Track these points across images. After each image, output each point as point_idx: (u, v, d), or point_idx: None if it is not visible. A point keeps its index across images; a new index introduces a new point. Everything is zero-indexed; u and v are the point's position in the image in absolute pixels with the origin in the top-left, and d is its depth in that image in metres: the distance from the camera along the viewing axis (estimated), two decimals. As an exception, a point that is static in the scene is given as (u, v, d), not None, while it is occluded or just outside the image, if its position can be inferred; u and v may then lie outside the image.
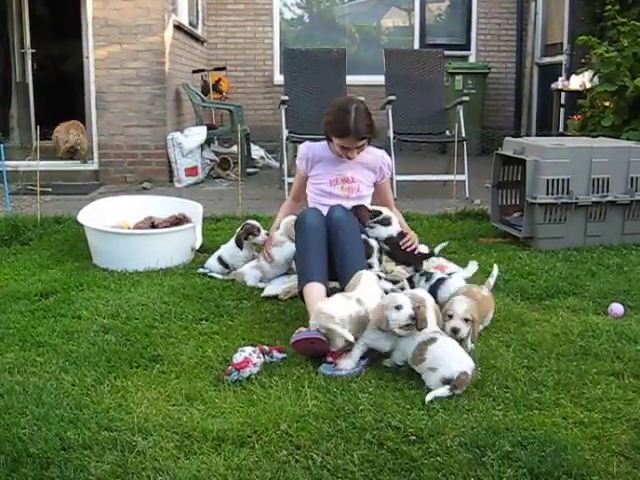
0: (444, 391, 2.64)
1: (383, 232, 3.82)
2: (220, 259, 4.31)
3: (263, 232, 4.23)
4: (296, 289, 3.58)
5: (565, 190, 4.79)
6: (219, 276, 4.22)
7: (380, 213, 3.82)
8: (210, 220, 5.54)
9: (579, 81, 7.81)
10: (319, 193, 4.00)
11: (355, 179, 3.97)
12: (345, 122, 3.72)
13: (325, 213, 3.65)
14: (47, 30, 10.85)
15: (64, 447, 2.29)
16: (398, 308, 2.84)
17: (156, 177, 7.93)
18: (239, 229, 4.32)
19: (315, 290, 3.33)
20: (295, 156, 7.46)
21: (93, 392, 2.70)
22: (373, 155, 4.02)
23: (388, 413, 2.51)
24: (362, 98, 7.15)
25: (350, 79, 7.82)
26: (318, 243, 3.49)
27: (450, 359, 2.73)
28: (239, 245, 4.26)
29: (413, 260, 3.82)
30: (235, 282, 4.09)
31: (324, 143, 4.00)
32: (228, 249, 4.33)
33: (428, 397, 2.62)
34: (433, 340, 2.80)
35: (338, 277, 3.50)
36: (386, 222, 3.83)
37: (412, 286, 3.55)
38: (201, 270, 4.30)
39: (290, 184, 6.44)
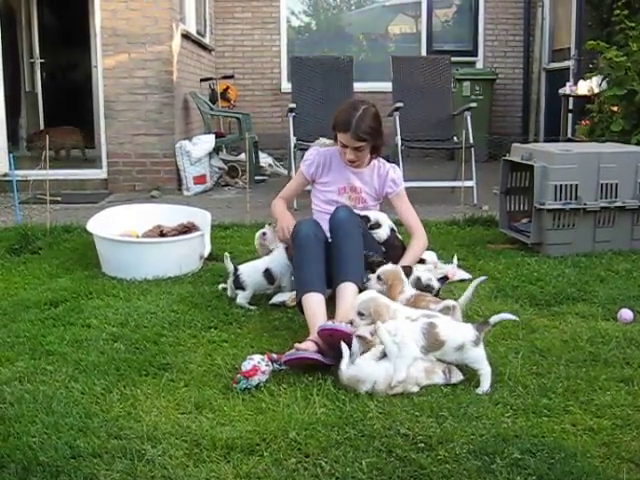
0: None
1: (377, 237, 3.87)
2: (268, 272, 3.89)
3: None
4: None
5: (573, 196, 4.78)
6: (249, 306, 3.81)
7: (369, 219, 3.84)
8: (219, 228, 5.55)
9: (587, 86, 7.80)
10: (327, 201, 3.98)
11: (362, 190, 3.96)
12: (348, 117, 3.72)
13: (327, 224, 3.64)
14: (56, 40, 10.93)
15: (74, 455, 2.29)
16: None
17: (165, 185, 7.96)
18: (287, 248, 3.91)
19: (313, 301, 3.30)
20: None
21: (102, 400, 2.71)
22: (380, 167, 4.00)
23: (397, 420, 2.51)
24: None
25: (357, 86, 7.85)
26: (314, 253, 3.46)
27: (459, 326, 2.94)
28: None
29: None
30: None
31: (332, 150, 3.99)
32: (276, 260, 3.94)
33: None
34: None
35: (333, 278, 3.43)
36: (377, 226, 3.87)
37: None
38: (242, 303, 3.83)
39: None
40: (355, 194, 3.95)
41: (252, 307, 3.80)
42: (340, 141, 3.82)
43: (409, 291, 3.37)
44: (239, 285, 3.85)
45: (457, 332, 2.87)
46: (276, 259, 3.94)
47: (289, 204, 4.19)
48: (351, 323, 3.03)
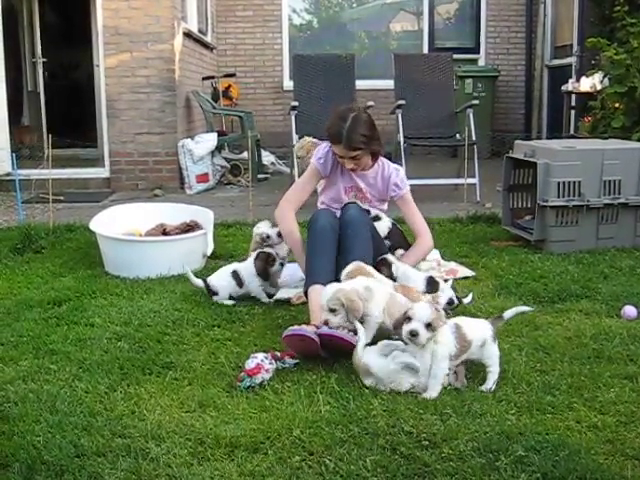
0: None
1: (380, 230, 3.87)
2: (235, 273, 3.92)
3: (277, 263, 3.94)
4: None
5: (576, 192, 4.77)
6: (229, 302, 3.86)
7: (369, 212, 3.85)
8: (221, 226, 5.55)
9: (589, 83, 7.79)
10: (334, 199, 3.94)
11: (367, 191, 3.92)
12: (339, 129, 3.64)
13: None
14: (58, 39, 10.93)
15: (78, 454, 2.30)
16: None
17: (167, 184, 7.97)
18: (255, 259, 3.94)
19: (319, 294, 3.30)
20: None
21: (106, 399, 2.71)
22: (384, 169, 3.93)
23: (401, 418, 2.51)
24: (372, 103, 7.16)
25: (359, 84, 7.85)
26: (328, 245, 3.47)
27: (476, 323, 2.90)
28: (265, 278, 3.91)
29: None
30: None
31: None
32: (248, 268, 3.95)
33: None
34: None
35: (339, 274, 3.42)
36: (377, 219, 3.87)
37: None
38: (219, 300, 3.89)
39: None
40: (361, 194, 3.92)
41: (229, 302, 3.86)
42: (336, 153, 3.77)
43: (385, 281, 3.32)
44: (214, 293, 3.91)
45: (478, 329, 2.85)
46: (247, 266, 3.94)
47: (297, 209, 3.94)
48: (326, 324, 3.00)
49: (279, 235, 3.99)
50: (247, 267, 3.95)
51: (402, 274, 3.62)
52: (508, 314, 3.01)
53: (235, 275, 3.92)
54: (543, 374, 2.88)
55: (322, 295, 3.07)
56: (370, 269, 3.35)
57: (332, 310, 2.99)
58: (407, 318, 2.76)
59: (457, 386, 2.77)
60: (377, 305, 3.04)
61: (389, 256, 3.68)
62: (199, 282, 3.97)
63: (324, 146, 3.94)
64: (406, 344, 2.78)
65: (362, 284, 3.07)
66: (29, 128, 9.99)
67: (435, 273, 4.01)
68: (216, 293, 3.90)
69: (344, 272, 3.31)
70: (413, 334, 2.72)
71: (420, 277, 3.65)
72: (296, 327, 3.07)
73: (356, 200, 3.91)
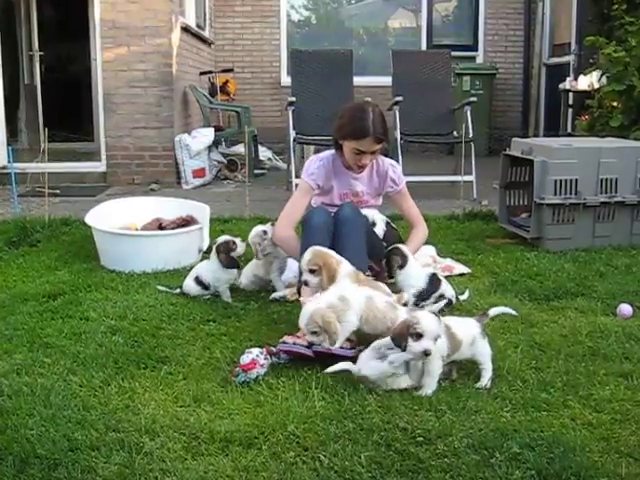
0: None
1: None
2: (198, 279, 3.89)
3: (240, 245, 3.90)
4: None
5: (573, 191, 4.77)
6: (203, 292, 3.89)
7: (365, 217, 3.81)
8: (217, 221, 5.54)
9: (587, 81, 7.79)
10: (327, 204, 3.90)
11: (364, 193, 3.89)
12: (364, 122, 3.59)
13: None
14: (55, 32, 10.89)
15: (72, 448, 2.29)
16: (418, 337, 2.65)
17: (163, 179, 7.95)
18: (215, 250, 3.90)
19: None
20: (302, 157, 7.48)
21: (101, 393, 2.71)
22: (379, 165, 3.88)
23: (396, 414, 2.51)
24: (369, 99, 7.15)
25: (357, 80, 7.83)
26: (321, 243, 3.43)
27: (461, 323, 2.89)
28: (231, 266, 3.86)
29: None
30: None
31: (330, 155, 3.84)
32: (209, 268, 3.91)
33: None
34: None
35: None
36: (372, 225, 3.85)
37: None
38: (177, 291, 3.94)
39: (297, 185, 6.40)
40: (357, 198, 3.86)
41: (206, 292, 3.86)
42: (356, 149, 3.65)
43: (347, 264, 3.28)
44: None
45: (466, 327, 2.84)
46: (208, 267, 3.90)
47: (294, 227, 3.88)
48: (310, 345, 2.96)
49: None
50: (208, 269, 3.90)
51: (404, 270, 3.60)
52: (493, 311, 3.04)
53: (197, 280, 3.88)
54: (538, 371, 2.88)
55: (300, 317, 2.99)
56: (331, 253, 3.29)
57: (314, 333, 2.92)
58: (416, 334, 2.63)
59: (453, 378, 2.78)
60: (355, 313, 2.98)
61: (403, 246, 3.65)
62: (176, 291, 3.93)
63: (314, 160, 3.87)
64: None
65: (337, 295, 3.00)
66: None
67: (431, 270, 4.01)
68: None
69: (303, 260, 3.26)
70: (427, 354, 2.63)
71: (422, 274, 3.63)
72: (290, 341, 3.02)
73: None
